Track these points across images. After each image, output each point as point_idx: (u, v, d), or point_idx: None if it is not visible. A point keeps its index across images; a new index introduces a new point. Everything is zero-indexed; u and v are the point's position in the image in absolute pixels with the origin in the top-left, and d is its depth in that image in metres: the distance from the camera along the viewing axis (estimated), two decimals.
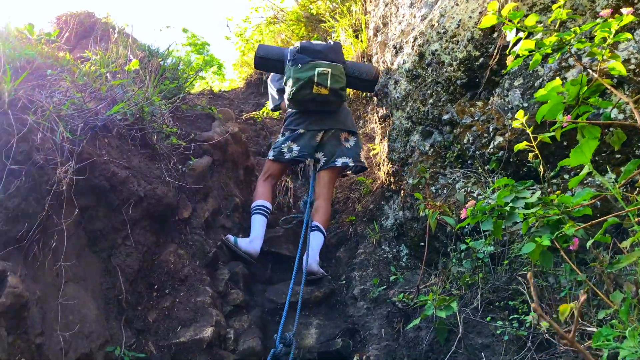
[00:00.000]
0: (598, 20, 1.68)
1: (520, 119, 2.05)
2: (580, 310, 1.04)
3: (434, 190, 2.99)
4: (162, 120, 3.44)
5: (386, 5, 4.11)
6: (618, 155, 2.22)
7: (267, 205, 3.83)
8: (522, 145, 2.04)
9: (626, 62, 2.16)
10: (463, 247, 2.64)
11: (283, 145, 3.95)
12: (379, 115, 4.07)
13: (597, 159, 2.25)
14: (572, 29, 1.74)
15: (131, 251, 2.79)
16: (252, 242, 3.61)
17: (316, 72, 3.65)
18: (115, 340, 2.50)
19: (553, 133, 1.84)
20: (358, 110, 5.30)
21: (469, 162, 2.93)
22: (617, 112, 2.16)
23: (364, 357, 2.87)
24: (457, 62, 2.96)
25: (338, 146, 3.93)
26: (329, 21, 6.76)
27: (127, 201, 2.78)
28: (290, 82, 3.75)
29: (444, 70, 3.06)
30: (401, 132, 3.58)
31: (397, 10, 3.83)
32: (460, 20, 2.91)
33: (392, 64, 3.71)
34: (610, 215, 1.50)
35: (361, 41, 5.49)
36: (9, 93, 2.16)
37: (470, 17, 2.86)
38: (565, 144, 2.37)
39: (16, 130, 2.10)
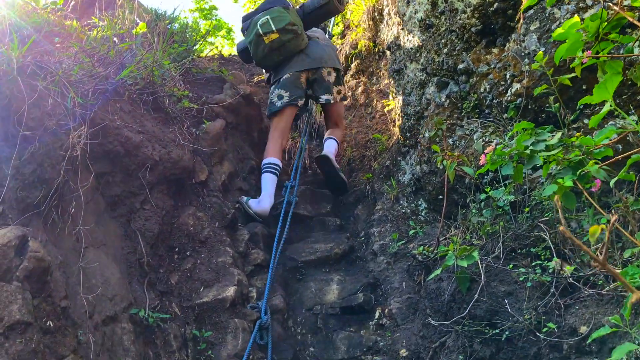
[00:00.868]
0: None
1: (539, 61, 1.98)
2: (611, 229, 1.00)
3: (451, 142, 2.94)
4: (173, 83, 3.41)
5: None
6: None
7: (276, 162, 3.81)
8: (542, 89, 1.97)
9: None
10: (483, 196, 2.60)
11: (272, 96, 3.99)
12: (392, 69, 3.98)
13: (617, 101, 2.17)
14: None
15: (150, 215, 2.80)
16: (261, 202, 3.63)
17: (258, 26, 3.79)
18: (139, 302, 2.53)
19: (573, 74, 1.77)
20: (371, 66, 5.20)
21: (486, 111, 2.86)
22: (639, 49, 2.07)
23: (386, 310, 2.88)
24: (471, 8, 2.86)
25: (323, 82, 4.03)
26: None
27: (143, 165, 2.78)
28: (250, 51, 3.97)
29: (458, 17, 2.96)
30: (416, 85, 3.50)
31: None
32: None
33: (403, 14, 3.60)
34: (634, 151, 1.44)
35: None
36: (17, 59, 2.14)
37: None
38: (584, 87, 2.29)
39: (27, 96, 2.09)
